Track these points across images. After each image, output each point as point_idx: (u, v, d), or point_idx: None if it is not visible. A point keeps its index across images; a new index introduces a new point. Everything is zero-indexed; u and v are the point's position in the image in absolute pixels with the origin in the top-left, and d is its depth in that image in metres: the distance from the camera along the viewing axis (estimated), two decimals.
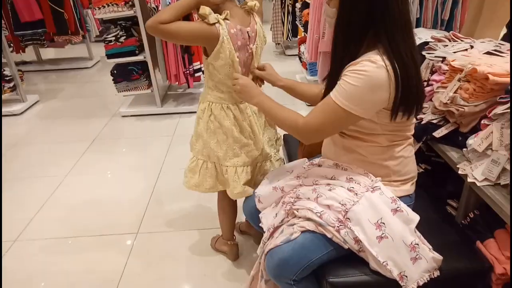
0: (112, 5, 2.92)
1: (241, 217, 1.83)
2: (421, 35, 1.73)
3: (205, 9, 1.20)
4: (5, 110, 3.44)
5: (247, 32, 1.28)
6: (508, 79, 1.16)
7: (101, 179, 2.44)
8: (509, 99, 1.12)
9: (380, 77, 0.93)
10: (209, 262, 1.73)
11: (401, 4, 0.94)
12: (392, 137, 1.07)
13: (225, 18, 1.23)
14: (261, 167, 1.49)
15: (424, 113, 1.48)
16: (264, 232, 1.19)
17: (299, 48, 4.01)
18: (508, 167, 1.06)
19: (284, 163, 1.59)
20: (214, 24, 1.21)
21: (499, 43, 1.49)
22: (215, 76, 1.32)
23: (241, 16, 1.29)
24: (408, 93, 0.96)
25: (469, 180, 1.13)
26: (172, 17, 1.17)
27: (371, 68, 0.93)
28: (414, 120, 1.11)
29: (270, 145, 1.52)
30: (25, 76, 3.83)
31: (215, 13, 1.23)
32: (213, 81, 1.34)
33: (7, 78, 3.45)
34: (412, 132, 1.12)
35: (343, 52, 1.01)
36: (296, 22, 4.31)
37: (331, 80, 1.04)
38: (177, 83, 3.27)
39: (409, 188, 1.14)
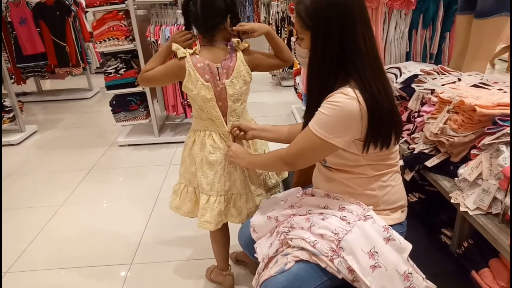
0: (113, 39, 3.01)
1: (237, 247, 1.81)
2: (411, 68, 1.80)
3: (173, 46, 1.35)
4: (3, 140, 3.46)
5: (217, 68, 1.35)
6: (495, 111, 1.20)
7: (96, 209, 2.42)
8: (496, 130, 1.15)
9: (351, 108, 0.98)
10: None
11: (368, 41, 1.01)
12: (377, 167, 1.10)
13: (194, 53, 1.34)
14: (236, 200, 1.49)
15: (416, 143, 1.52)
16: (259, 262, 1.19)
17: (295, 79, 4.11)
18: (499, 196, 1.08)
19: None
20: (182, 58, 1.32)
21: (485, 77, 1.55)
22: (194, 105, 1.41)
23: (215, 53, 1.36)
24: (379, 126, 1.01)
25: (461, 209, 1.14)
26: (154, 66, 1.37)
27: (343, 99, 0.99)
28: (397, 148, 1.14)
29: (252, 181, 1.51)
30: (25, 107, 3.88)
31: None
32: (194, 109, 1.43)
33: (7, 109, 3.50)
34: (397, 160, 1.15)
35: (318, 90, 1.07)
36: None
37: (308, 115, 1.11)
38: (174, 113, 3.33)
39: (399, 216, 1.15)
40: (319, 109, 1.04)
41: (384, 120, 1.01)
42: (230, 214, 1.51)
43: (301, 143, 1.10)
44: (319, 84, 1.07)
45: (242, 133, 1.41)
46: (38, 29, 4.19)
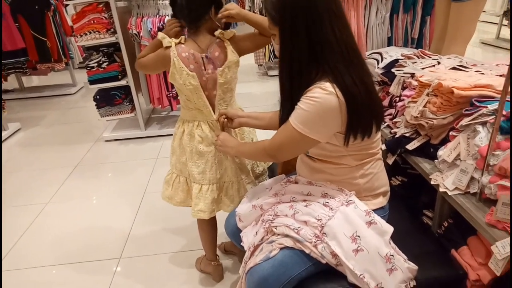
0: (94, 32, 2.95)
1: (226, 237, 1.82)
2: (392, 53, 1.81)
3: (159, 35, 1.36)
4: None
5: (202, 57, 1.35)
6: (472, 93, 1.22)
7: (83, 205, 2.40)
8: (473, 111, 1.17)
9: (330, 103, 0.97)
10: (193, 284, 1.70)
11: (338, 32, 0.99)
12: (359, 156, 1.11)
13: (180, 42, 1.34)
14: (228, 189, 1.51)
15: (398, 127, 1.54)
16: (246, 250, 1.20)
17: None
18: (476, 175, 1.10)
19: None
20: (168, 47, 1.33)
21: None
22: (181, 95, 1.42)
23: (201, 43, 1.36)
24: (357, 118, 1.00)
25: (441, 189, 1.17)
26: (146, 53, 1.40)
27: (321, 95, 0.98)
28: (379, 136, 1.14)
29: (243, 169, 1.53)
30: (7, 104, 3.80)
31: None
32: (181, 100, 1.44)
33: None
34: (379, 147, 1.16)
35: (290, 85, 1.06)
36: None
37: (283, 110, 1.11)
38: (160, 106, 3.30)
39: (381, 200, 1.17)
40: (298, 103, 1.03)
41: (362, 112, 1.01)
42: (223, 203, 1.53)
43: (282, 138, 1.10)
44: (291, 79, 1.06)
45: (227, 122, 1.40)
46: (17, 24, 4.08)
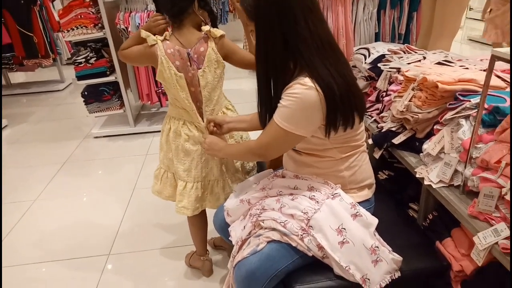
0: (81, 27, 2.92)
1: (215, 232, 1.82)
2: (379, 48, 1.82)
3: (142, 33, 1.33)
4: None
5: (187, 53, 1.34)
6: (456, 87, 1.24)
7: (72, 201, 2.38)
8: (457, 105, 1.19)
9: (310, 98, 0.98)
10: (183, 279, 1.71)
11: (313, 27, 0.99)
12: (344, 149, 1.12)
13: (165, 39, 1.33)
14: (213, 187, 1.52)
15: (385, 122, 1.55)
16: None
17: None
18: (459, 168, 1.12)
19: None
20: (153, 45, 1.32)
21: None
22: (168, 93, 1.41)
23: (186, 38, 1.35)
24: (336, 111, 1.01)
25: (425, 182, 1.19)
26: (130, 45, 1.39)
27: (301, 90, 0.98)
28: (362, 128, 1.15)
29: (229, 167, 1.54)
30: None
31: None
32: (169, 97, 1.43)
33: None
34: (363, 140, 1.17)
35: (266, 81, 1.07)
36: None
37: (261, 107, 1.13)
38: (149, 102, 3.28)
39: (367, 193, 1.18)
40: (280, 101, 1.03)
41: (340, 105, 1.00)
42: (208, 200, 1.53)
43: (268, 136, 1.10)
44: (267, 75, 1.07)
45: (216, 129, 1.40)
46: (2, 19, 4.01)
